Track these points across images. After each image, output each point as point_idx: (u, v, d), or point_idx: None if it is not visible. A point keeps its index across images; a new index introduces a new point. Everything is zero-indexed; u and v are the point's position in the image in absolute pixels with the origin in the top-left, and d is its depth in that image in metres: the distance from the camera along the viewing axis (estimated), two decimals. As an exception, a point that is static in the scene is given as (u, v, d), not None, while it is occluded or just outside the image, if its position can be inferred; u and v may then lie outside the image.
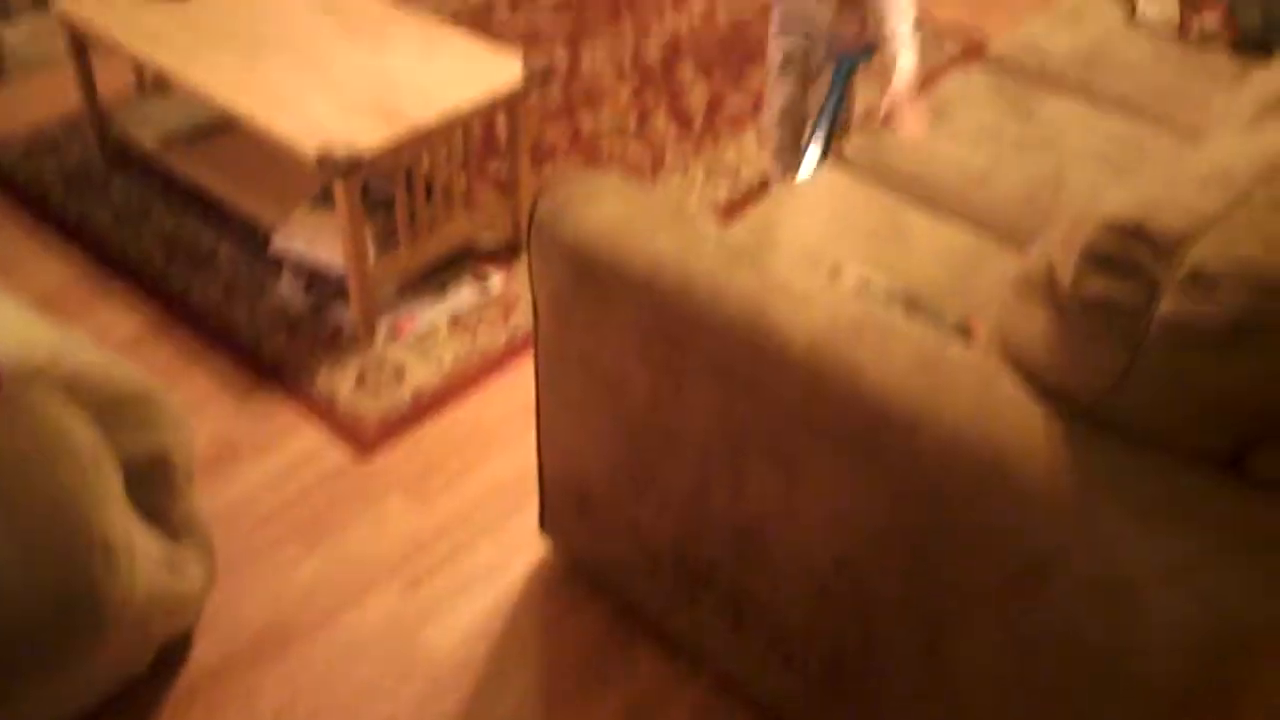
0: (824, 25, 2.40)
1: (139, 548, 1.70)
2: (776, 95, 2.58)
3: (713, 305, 1.41)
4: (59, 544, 1.54)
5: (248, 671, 1.85)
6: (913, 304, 1.50)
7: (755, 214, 2.11)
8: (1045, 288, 1.24)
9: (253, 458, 2.20)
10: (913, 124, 2.26)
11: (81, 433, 1.60)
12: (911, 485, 1.30)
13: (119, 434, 1.71)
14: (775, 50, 2.53)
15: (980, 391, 1.27)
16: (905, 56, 2.27)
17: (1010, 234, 2.03)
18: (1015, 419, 1.22)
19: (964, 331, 1.46)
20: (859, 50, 2.43)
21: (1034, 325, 1.26)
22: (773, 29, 2.52)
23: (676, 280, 1.44)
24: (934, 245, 1.98)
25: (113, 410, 1.71)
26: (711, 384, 1.46)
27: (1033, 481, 1.19)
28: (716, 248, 1.48)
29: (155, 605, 1.74)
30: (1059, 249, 1.21)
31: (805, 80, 2.55)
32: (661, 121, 3.27)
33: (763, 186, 2.98)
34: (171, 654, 1.86)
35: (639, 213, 1.55)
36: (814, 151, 2.45)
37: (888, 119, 2.27)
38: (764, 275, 1.43)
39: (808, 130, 2.52)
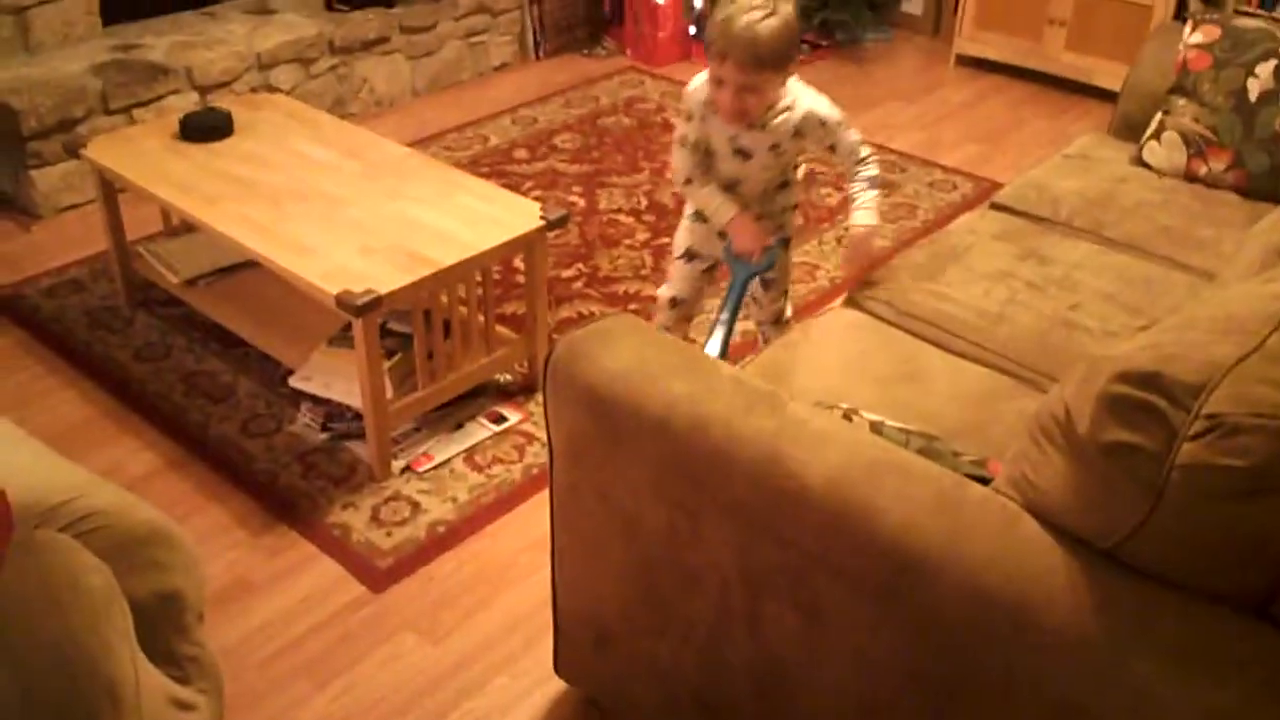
0: (725, 229, 2.32)
1: (147, 688, 1.67)
2: (674, 280, 2.50)
3: (728, 447, 1.42)
4: (64, 689, 1.52)
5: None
6: (929, 444, 1.50)
7: (768, 355, 2.13)
8: (1063, 433, 1.24)
9: (266, 592, 2.19)
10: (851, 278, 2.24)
11: (93, 575, 1.59)
12: (933, 629, 1.28)
13: (132, 574, 1.70)
14: (683, 234, 2.46)
15: (1001, 534, 1.26)
16: (861, 215, 2.25)
17: (1025, 373, 2.04)
18: (1037, 562, 1.21)
19: (981, 472, 1.46)
20: (759, 259, 2.31)
21: (1052, 469, 1.26)
22: (687, 210, 2.45)
23: (691, 422, 1.45)
24: (949, 385, 1.99)
25: (127, 551, 1.71)
26: (729, 524, 1.45)
27: (1058, 627, 1.17)
28: (731, 390, 1.49)
29: (161, 748, 1.71)
30: (1075, 395, 1.21)
31: (703, 279, 2.49)
32: (676, 261, 3.32)
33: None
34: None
35: (654, 355, 1.57)
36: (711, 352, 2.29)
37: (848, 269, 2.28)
38: (779, 417, 1.44)
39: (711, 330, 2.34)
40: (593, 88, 4.53)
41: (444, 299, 2.51)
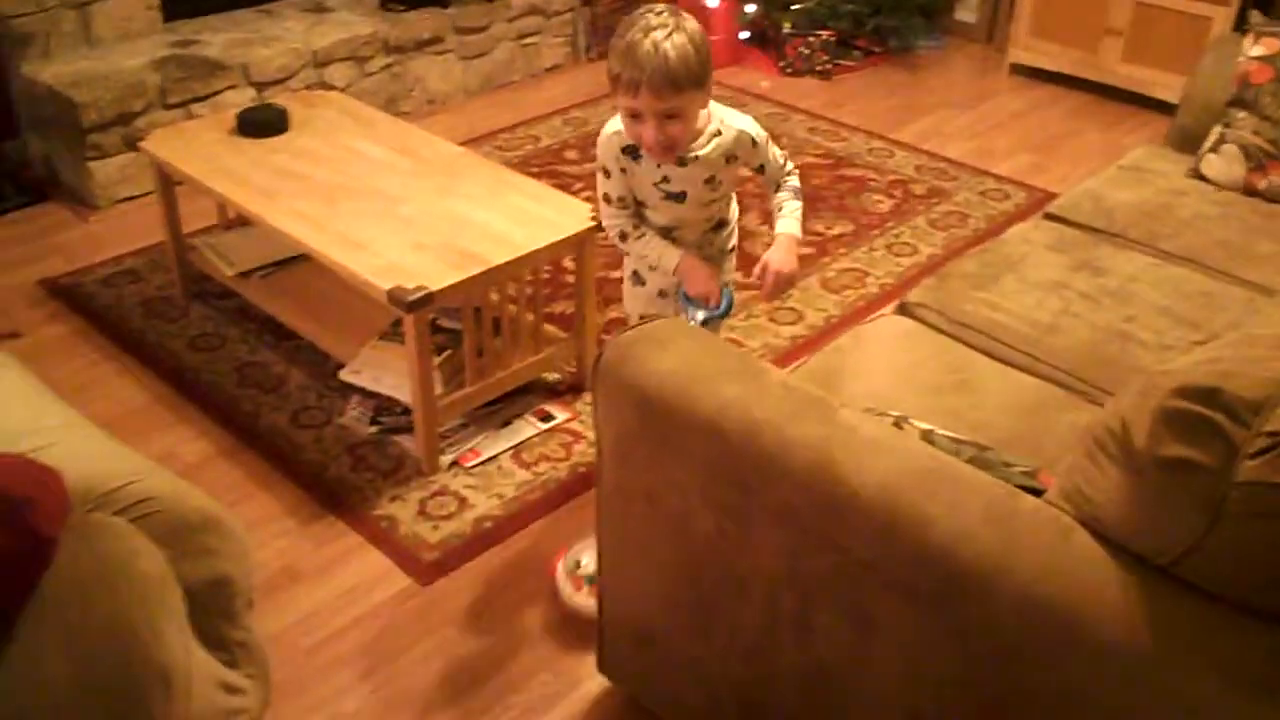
0: (671, 270, 2.12)
1: (197, 672, 1.70)
2: (632, 305, 2.30)
3: (779, 452, 1.42)
4: (116, 670, 1.54)
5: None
6: (981, 454, 1.49)
7: (818, 360, 2.12)
8: (1119, 447, 1.23)
9: (313, 581, 2.21)
10: (768, 291, 2.07)
11: (147, 559, 1.62)
12: (985, 640, 1.27)
13: (184, 559, 1.72)
14: (630, 301, 2.29)
15: (1054, 546, 1.25)
16: (787, 224, 2.10)
17: (1078, 385, 2.02)
18: (1091, 575, 1.20)
19: (1033, 484, 1.45)
20: (717, 302, 2.10)
21: (1107, 483, 1.25)
22: (625, 273, 2.28)
23: (742, 426, 1.45)
24: (1001, 395, 1.98)
25: (179, 536, 1.73)
26: (778, 529, 1.45)
27: (1111, 641, 1.16)
28: (782, 395, 1.49)
29: (211, 731, 1.73)
30: (1132, 409, 1.20)
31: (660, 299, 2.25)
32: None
33: (826, 334, 3.00)
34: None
35: (704, 358, 1.58)
36: None
37: (763, 287, 2.07)
38: (831, 423, 1.44)
39: None
40: (644, 90, 4.54)
41: (494, 297, 2.53)
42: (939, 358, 2.09)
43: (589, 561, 2.08)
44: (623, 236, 2.13)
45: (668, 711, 1.83)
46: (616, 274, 3.24)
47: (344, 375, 2.61)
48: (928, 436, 1.54)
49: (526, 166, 3.83)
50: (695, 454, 1.52)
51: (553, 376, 2.78)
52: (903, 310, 2.28)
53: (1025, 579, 1.22)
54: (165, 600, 1.61)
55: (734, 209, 2.25)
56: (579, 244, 2.58)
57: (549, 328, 2.78)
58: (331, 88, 3.87)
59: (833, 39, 4.74)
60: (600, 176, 2.11)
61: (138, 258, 3.30)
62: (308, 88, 3.85)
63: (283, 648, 2.05)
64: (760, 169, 2.11)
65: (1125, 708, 1.16)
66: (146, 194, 3.41)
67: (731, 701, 1.65)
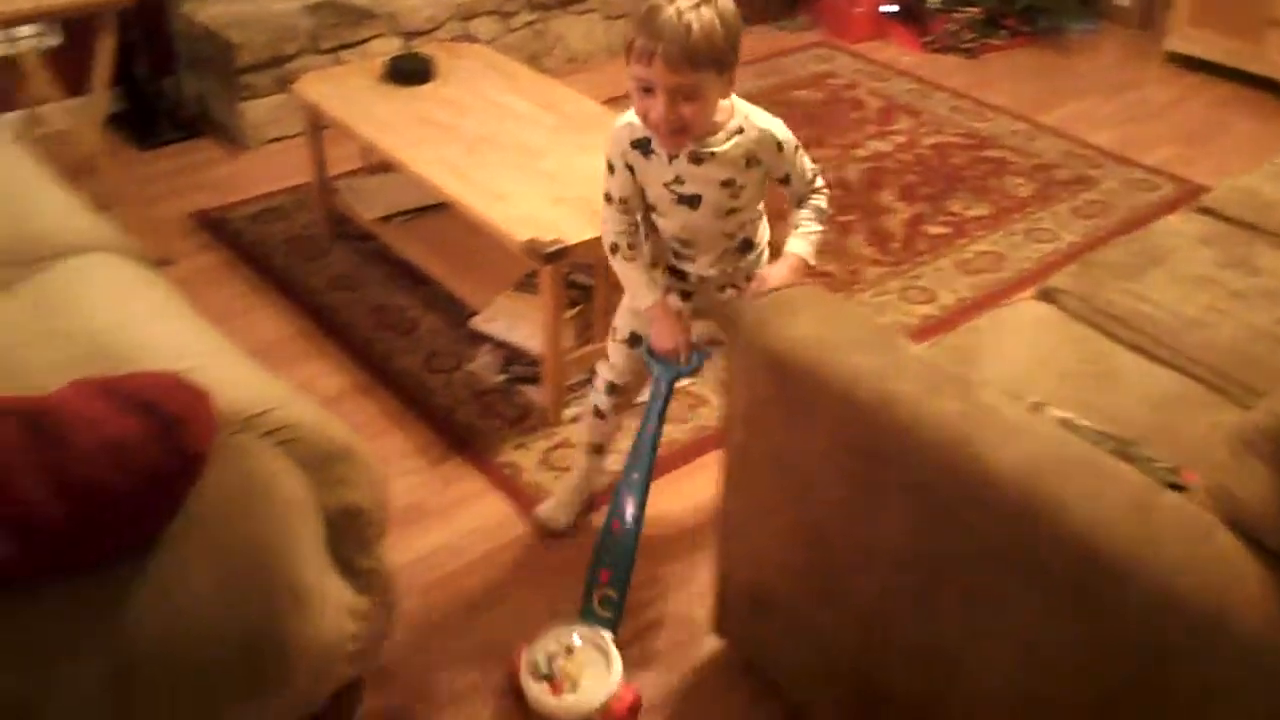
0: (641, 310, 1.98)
1: (328, 596, 1.77)
2: (614, 361, 2.14)
3: (913, 426, 1.41)
4: (254, 587, 1.61)
5: (409, 732, 1.89)
6: (1125, 448, 1.47)
7: (953, 340, 2.10)
8: (1272, 449, 1.20)
9: (438, 519, 2.28)
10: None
11: (289, 483, 1.69)
12: (1115, 629, 1.25)
13: (322, 486, 1.79)
14: (624, 315, 2.10)
15: (1196, 542, 1.23)
16: (798, 243, 1.90)
17: (1223, 383, 1.96)
18: (1236, 572, 1.18)
19: (1176, 480, 1.42)
20: (685, 360, 1.96)
21: (1258, 484, 1.22)
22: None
23: (876, 398, 1.44)
24: (1141, 388, 1.93)
25: (319, 464, 1.79)
26: (908, 503, 1.45)
27: (1257, 639, 1.13)
28: (918, 369, 1.48)
29: (338, 651, 1.80)
30: (1295, 407, 1.17)
31: (642, 372, 2.10)
32: (858, 241, 3.29)
33: (958, 315, 2.95)
34: (345, 699, 1.91)
35: (840, 327, 1.58)
36: (633, 494, 1.99)
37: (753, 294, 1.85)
38: (968, 401, 1.42)
39: (632, 452, 2.02)
40: (784, 60, 4.50)
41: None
42: (1078, 346, 2.05)
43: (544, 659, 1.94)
44: (612, 249, 1.95)
45: (782, 675, 1.85)
46: (747, 242, 3.24)
47: (476, 323, 2.67)
48: (1066, 424, 1.52)
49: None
50: (827, 422, 1.52)
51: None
52: (1043, 296, 2.23)
53: (1164, 571, 1.20)
54: (304, 524, 1.68)
55: (764, 230, 2.01)
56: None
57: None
58: (475, 40, 3.92)
59: (980, 16, 4.63)
60: (605, 172, 1.93)
61: (284, 196, 3.41)
62: (453, 39, 3.92)
63: (404, 581, 2.10)
64: (785, 179, 1.91)
65: (1272, 710, 1.14)
66: (295, 135, 3.52)
67: (846, 670, 1.66)
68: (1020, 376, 1.90)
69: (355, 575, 1.87)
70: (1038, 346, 2.04)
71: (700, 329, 2.01)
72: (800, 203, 1.93)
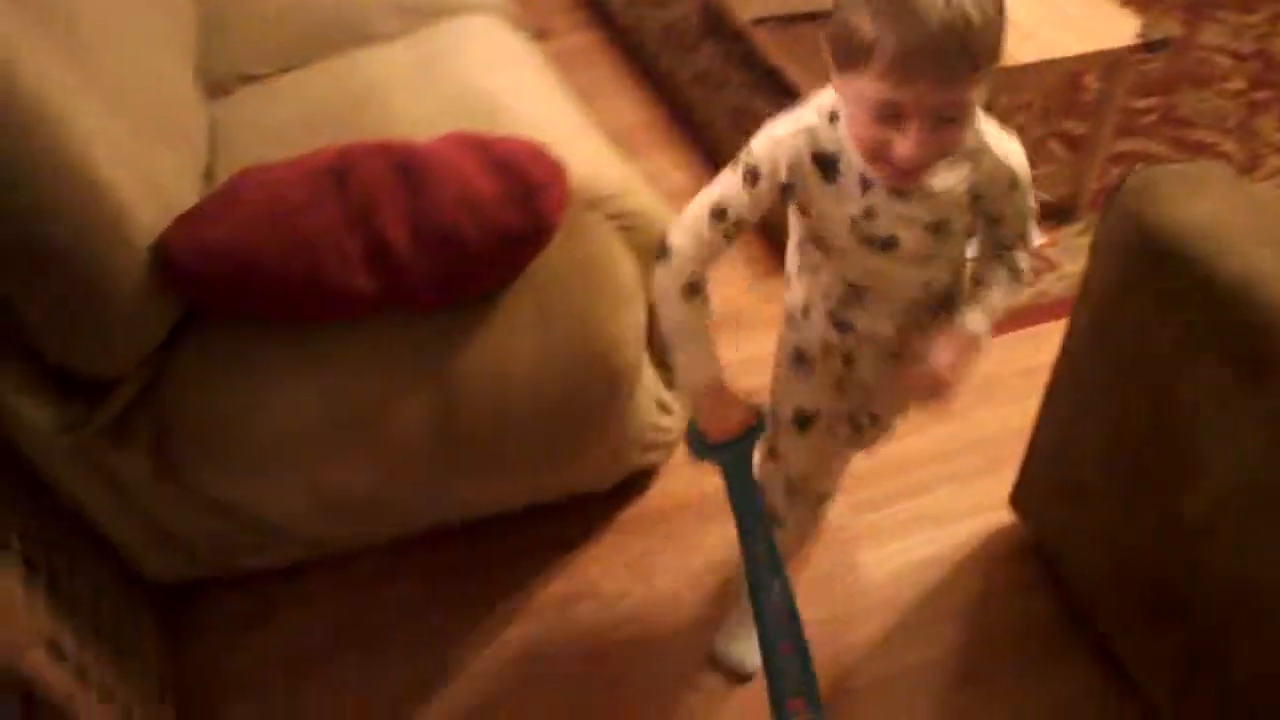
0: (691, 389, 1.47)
1: (643, 383, 1.83)
2: (786, 398, 1.62)
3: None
4: (577, 360, 1.69)
5: (693, 523, 1.96)
6: None
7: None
8: None
9: (749, 332, 2.26)
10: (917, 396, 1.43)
11: (625, 267, 1.73)
12: None
13: (651, 277, 1.83)
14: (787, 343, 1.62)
15: None
16: (975, 319, 1.38)
17: None
18: None
19: None
20: (731, 445, 1.46)
21: None
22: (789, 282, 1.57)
23: (1277, 305, 1.26)
24: None
25: (653, 255, 1.83)
26: (1276, 432, 1.29)
27: None
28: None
29: (638, 435, 1.88)
30: None
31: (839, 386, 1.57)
32: (1270, 123, 2.92)
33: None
34: (631, 486, 2.01)
35: (1243, 217, 1.39)
36: (784, 604, 1.40)
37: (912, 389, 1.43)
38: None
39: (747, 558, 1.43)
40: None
41: (1003, 98, 2.38)
42: None
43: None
44: (688, 289, 1.38)
45: (1068, 569, 1.76)
46: (1141, 104, 2.95)
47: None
48: None
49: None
50: (1203, 321, 1.36)
51: (1040, 196, 2.61)
52: None
53: None
54: (632, 309, 1.73)
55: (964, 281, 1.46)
56: (1115, 62, 2.35)
57: (1050, 143, 2.59)
58: None
59: None
60: (727, 173, 1.36)
61: (665, -16, 3.40)
62: None
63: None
64: (997, 220, 1.38)
65: None
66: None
67: (1141, 580, 1.56)
68: None
69: (667, 368, 1.92)
70: None
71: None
72: (998, 254, 1.41)
